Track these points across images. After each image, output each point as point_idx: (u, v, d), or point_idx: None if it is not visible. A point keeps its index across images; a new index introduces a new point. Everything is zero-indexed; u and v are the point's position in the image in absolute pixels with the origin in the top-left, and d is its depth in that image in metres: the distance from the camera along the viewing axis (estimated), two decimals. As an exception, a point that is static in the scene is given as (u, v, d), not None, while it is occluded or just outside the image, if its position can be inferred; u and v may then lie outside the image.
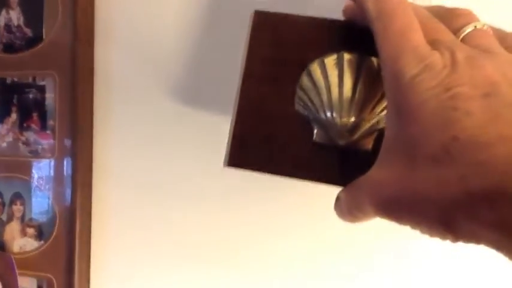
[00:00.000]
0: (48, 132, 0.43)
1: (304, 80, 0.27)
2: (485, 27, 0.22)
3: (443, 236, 0.18)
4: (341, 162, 0.26)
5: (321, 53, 0.26)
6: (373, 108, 0.25)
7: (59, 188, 0.42)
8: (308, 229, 0.36)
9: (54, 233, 0.42)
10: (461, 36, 0.22)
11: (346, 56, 0.26)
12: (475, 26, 0.22)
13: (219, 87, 0.37)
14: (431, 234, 0.19)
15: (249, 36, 0.28)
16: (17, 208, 0.44)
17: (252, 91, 0.27)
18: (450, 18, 0.22)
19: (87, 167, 0.41)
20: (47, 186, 0.43)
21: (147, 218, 0.40)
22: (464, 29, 0.22)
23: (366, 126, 0.26)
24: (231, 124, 0.28)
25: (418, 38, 0.20)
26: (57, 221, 0.42)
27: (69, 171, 0.42)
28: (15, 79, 0.44)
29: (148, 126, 0.40)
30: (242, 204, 0.38)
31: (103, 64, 0.42)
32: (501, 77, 0.18)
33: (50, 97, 0.43)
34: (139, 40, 0.40)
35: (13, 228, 0.44)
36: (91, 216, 0.42)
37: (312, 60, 0.27)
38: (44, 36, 0.43)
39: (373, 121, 0.26)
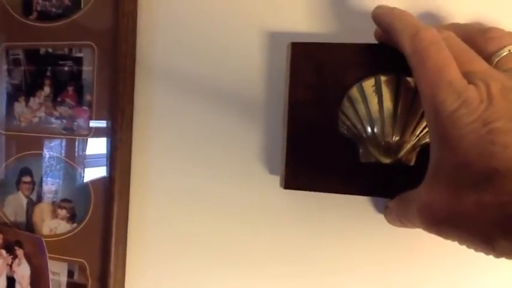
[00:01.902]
0: (84, 107, 0.40)
1: (346, 104, 0.29)
2: None
3: (486, 253, 0.20)
4: (386, 177, 0.28)
5: (359, 76, 0.28)
6: (414, 128, 0.27)
7: (95, 168, 0.40)
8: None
9: (89, 216, 0.40)
10: (495, 61, 0.23)
11: (383, 79, 0.27)
12: (509, 50, 0.23)
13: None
14: (476, 250, 0.21)
15: (288, 66, 0.30)
16: (48, 188, 0.41)
17: (298, 117, 0.30)
18: (484, 41, 0.24)
19: (126, 146, 0.38)
20: (82, 166, 0.40)
21: (189, 204, 0.37)
22: (498, 53, 0.23)
23: (408, 146, 0.27)
24: (282, 149, 0.31)
25: (453, 73, 0.22)
26: (92, 203, 0.40)
27: (107, 151, 0.39)
28: (50, 50, 0.41)
29: (192, 111, 0.37)
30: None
31: (145, 37, 0.39)
32: None
33: (87, 70, 0.40)
34: (185, 19, 0.37)
35: (43, 209, 0.41)
36: (129, 199, 0.39)
37: (351, 84, 0.28)
38: (82, 5, 0.40)
39: (415, 140, 0.27)
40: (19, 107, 0.42)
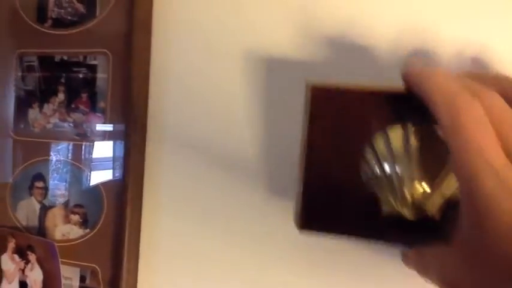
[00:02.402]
0: (98, 114, 0.40)
1: (368, 153, 0.27)
2: None
3: None
4: (407, 227, 0.27)
5: (383, 123, 0.26)
6: (442, 182, 0.25)
7: (108, 174, 0.40)
8: None
9: (101, 221, 0.40)
10: None
11: (410, 128, 0.26)
12: None
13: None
14: None
15: (308, 109, 0.28)
16: (61, 193, 0.42)
17: (315, 162, 0.28)
18: None
19: (139, 153, 0.39)
20: (94, 172, 0.41)
21: (202, 211, 0.38)
22: None
23: (435, 201, 0.26)
24: (297, 190, 0.29)
25: (495, 155, 0.20)
26: (105, 208, 0.40)
27: (121, 157, 0.39)
28: (64, 57, 0.42)
29: (207, 117, 0.38)
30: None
31: (160, 45, 0.39)
32: None
33: (101, 77, 0.40)
34: (198, 24, 0.38)
35: (56, 214, 0.42)
36: (142, 205, 0.39)
37: (374, 131, 0.27)
38: (97, 13, 0.40)
39: (442, 195, 0.25)
40: (33, 113, 0.42)
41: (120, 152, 0.39)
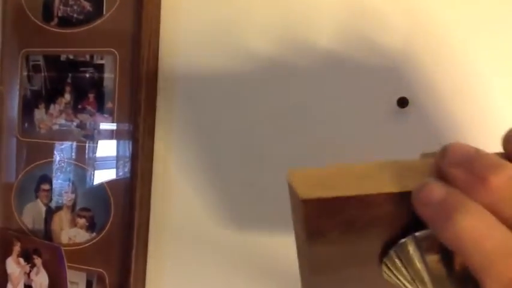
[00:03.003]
0: (105, 115, 0.39)
1: (387, 274, 0.21)
2: None
3: None
4: None
5: (395, 236, 0.19)
6: None
7: (116, 177, 0.39)
8: None
9: (108, 225, 0.39)
10: None
11: (430, 238, 0.18)
12: None
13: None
14: None
15: (304, 228, 0.20)
16: (67, 196, 0.41)
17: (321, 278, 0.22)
18: None
19: (147, 155, 0.38)
20: (102, 174, 0.39)
21: (211, 215, 0.37)
22: None
23: None
24: None
25: None
26: (112, 212, 0.39)
27: (128, 159, 0.38)
28: (71, 56, 0.40)
29: (216, 118, 0.36)
30: None
31: (169, 44, 0.38)
32: None
33: (109, 77, 0.39)
34: (207, 19, 0.37)
35: (62, 217, 0.41)
36: (150, 208, 0.38)
37: (387, 245, 0.20)
38: (104, 11, 0.39)
39: None
40: (39, 113, 0.41)
41: (128, 154, 0.38)
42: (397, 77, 0.31)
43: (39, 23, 0.42)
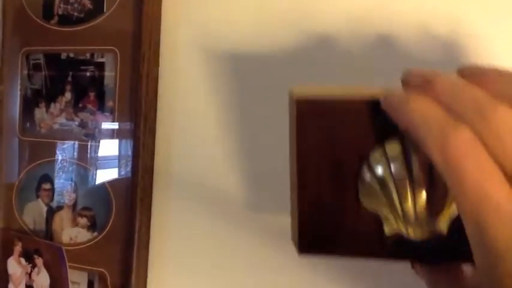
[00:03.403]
0: (106, 113, 0.39)
1: (366, 174, 0.24)
2: None
3: None
4: (413, 245, 0.24)
5: (381, 136, 0.23)
6: (446, 198, 0.23)
7: (117, 176, 0.39)
8: None
9: (110, 225, 0.39)
10: None
11: (411, 141, 0.22)
12: None
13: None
14: None
15: (294, 128, 0.25)
16: (68, 196, 0.40)
17: (309, 182, 0.25)
18: None
19: (148, 153, 0.37)
20: (103, 173, 0.39)
21: (211, 213, 0.36)
22: None
23: (442, 222, 0.24)
24: (292, 214, 0.27)
25: (497, 191, 0.17)
26: (114, 211, 0.39)
27: (129, 158, 0.38)
28: (71, 55, 0.40)
29: (217, 116, 0.36)
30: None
31: (170, 41, 0.38)
32: None
33: (109, 75, 0.39)
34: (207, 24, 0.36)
35: (63, 217, 0.41)
36: (151, 207, 0.38)
37: (371, 146, 0.24)
38: (105, 9, 0.39)
39: (448, 212, 0.23)
40: (39, 112, 0.41)
41: (129, 152, 0.38)
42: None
43: (40, 22, 0.41)
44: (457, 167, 0.18)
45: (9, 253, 0.42)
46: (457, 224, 0.23)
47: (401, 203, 0.24)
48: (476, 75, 0.20)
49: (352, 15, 0.33)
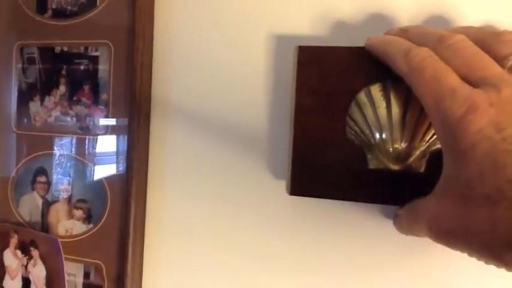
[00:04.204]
0: (101, 106, 0.39)
1: (353, 109, 0.28)
2: None
3: (497, 267, 0.19)
4: (396, 184, 0.27)
5: (367, 80, 0.27)
6: (424, 134, 0.26)
7: (112, 168, 0.39)
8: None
9: (105, 217, 0.39)
10: (508, 65, 0.21)
11: (392, 83, 0.27)
12: None
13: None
14: (487, 263, 0.20)
15: (295, 70, 0.29)
16: (64, 188, 0.41)
17: (304, 122, 0.29)
18: (497, 44, 0.22)
19: (143, 145, 0.38)
20: (98, 166, 0.40)
21: (206, 204, 0.37)
22: (511, 57, 0.21)
23: (417, 152, 0.26)
24: (288, 155, 0.30)
25: (452, 80, 0.21)
26: (109, 203, 0.39)
27: (124, 150, 0.38)
28: (65, 48, 0.40)
29: (210, 110, 0.37)
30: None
31: (163, 34, 0.38)
32: None
33: (103, 69, 0.39)
34: (200, 12, 0.37)
35: (59, 210, 0.41)
36: (146, 199, 0.38)
37: (358, 88, 0.28)
38: (98, 2, 0.39)
39: (424, 147, 0.26)
40: (34, 106, 0.42)
41: (124, 145, 0.38)
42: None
43: (33, 16, 0.42)
44: (418, 68, 0.22)
45: (5, 245, 0.42)
46: (432, 163, 0.26)
47: (382, 139, 0.27)
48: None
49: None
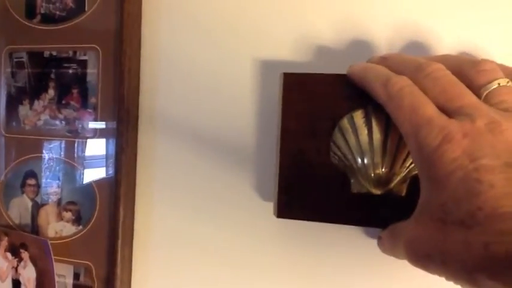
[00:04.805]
0: (89, 110, 0.40)
1: (337, 135, 0.29)
2: (509, 84, 0.22)
3: None
4: (378, 208, 0.28)
5: (350, 107, 0.28)
6: (404, 160, 0.27)
7: (101, 171, 0.40)
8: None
9: (94, 218, 0.40)
10: (484, 94, 0.22)
11: (374, 110, 0.27)
12: (499, 84, 0.22)
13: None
14: (461, 286, 0.21)
15: (281, 95, 0.30)
16: (53, 190, 0.41)
17: (290, 146, 0.30)
18: (474, 74, 0.23)
19: (132, 148, 0.39)
20: (87, 169, 0.40)
21: (194, 206, 0.38)
22: (487, 86, 0.22)
23: (398, 178, 0.27)
24: (274, 178, 0.31)
25: (429, 110, 0.22)
26: (98, 205, 0.40)
27: (113, 153, 0.39)
28: (54, 53, 0.41)
29: (197, 113, 0.37)
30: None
31: (150, 39, 0.39)
32: None
33: (92, 73, 0.40)
34: (192, 12, 0.37)
35: (48, 212, 0.41)
36: (134, 201, 0.39)
37: (342, 114, 0.29)
38: (86, 8, 0.40)
39: (405, 172, 0.27)
40: (23, 109, 0.42)
41: (112, 148, 0.39)
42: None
43: (22, 21, 0.42)
44: (396, 97, 0.23)
45: (-5, 248, 0.42)
46: (413, 187, 0.26)
47: (364, 164, 0.27)
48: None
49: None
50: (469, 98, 0.22)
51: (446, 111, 0.22)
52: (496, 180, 0.19)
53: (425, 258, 0.22)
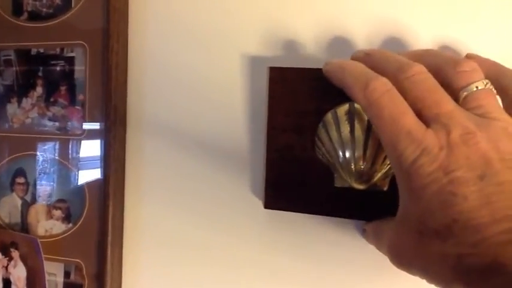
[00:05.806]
0: (77, 107, 0.40)
1: (321, 130, 0.29)
2: (487, 86, 0.22)
3: None
4: (362, 201, 0.29)
5: (335, 102, 0.28)
6: (385, 158, 0.27)
7: (89, 168, 0.40)
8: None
9: (84, 216, 0.40)
10: (462, 97, 0.22)
11: (357, 106, 0.28)
12: (477, 87, 0.22)
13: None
14: None
15: (267, 90, 0.30)
16: (42, 189, 0.41)
17: (277, 140, 0.30)
18: (454, 74, 0.23)
19: (120, 145, 0.38)
20: (76, 166, 0.40)
21: (184, 203, 0.37)
22: (466, 89, 0.22)
23: (379, 174, 0.27)
24: (263, 171, 0.31)
25: (408, 121, 0.22)
26: (87, 203, 0.39)
27: (101, 150, 0.39)
28: (41, 50, 0.41)
29: (186, 109, 0.37)
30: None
31: (137, 35, 0.38)
32: (494, 152, 0.20)
33: (79, 69, 0.40)
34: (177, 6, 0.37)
35: (38, 210, 0.41)
36: (124, 198, 0.39)
37: (327, 109, 0.29)
38: (73, 4, 0.40)
39: (386, 169, 0.27)
40: (11, 108, 0.42)
41: (101, 145, 0.39)
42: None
43: (9, 18, 0.42)
44: (376, 104, 0.23)
45: (-15, 247, 0.42)
46: (396, 182, 0.26)
47: (346, 158, 0.28)
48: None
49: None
50: (446, 106, 0.22)
51: (424, 117, 0.22)
52: (469, 192, 0.20)
53: (408, 265, 0.23)
